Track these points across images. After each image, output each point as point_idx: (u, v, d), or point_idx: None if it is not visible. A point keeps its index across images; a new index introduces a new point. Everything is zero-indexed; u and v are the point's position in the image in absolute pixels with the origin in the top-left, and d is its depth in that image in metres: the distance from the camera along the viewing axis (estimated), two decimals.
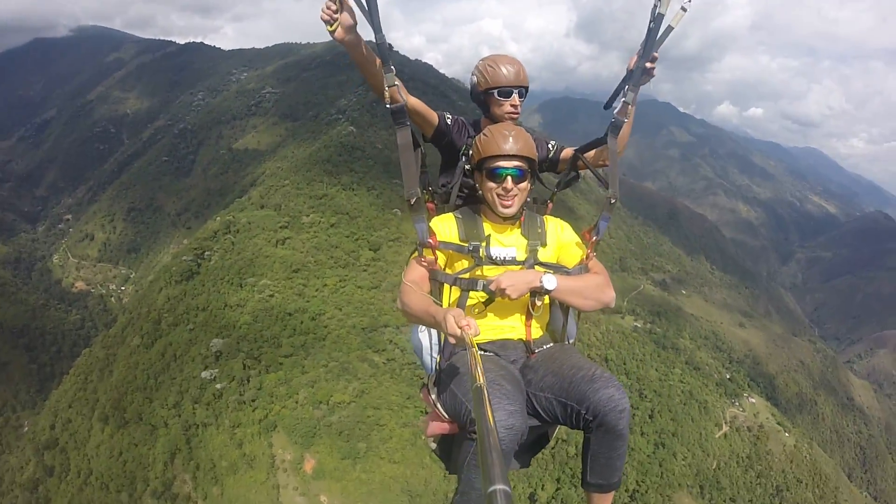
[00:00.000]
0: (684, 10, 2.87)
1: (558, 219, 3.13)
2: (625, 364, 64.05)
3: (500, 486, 0.89)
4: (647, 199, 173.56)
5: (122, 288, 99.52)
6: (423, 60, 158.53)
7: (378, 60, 2.71)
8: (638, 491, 50.26)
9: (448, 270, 2.85)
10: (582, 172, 3.45)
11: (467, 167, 3.09)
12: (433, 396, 2.79)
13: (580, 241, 3.01)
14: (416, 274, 2.72)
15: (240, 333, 49.50)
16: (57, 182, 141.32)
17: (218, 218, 66.93)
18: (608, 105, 3.15)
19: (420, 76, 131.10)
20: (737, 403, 70.96)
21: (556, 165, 3.45)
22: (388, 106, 2.68)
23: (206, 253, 59.15)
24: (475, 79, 3.21)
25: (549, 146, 3.43)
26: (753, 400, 74.41)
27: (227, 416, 44.89)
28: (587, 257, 2.92)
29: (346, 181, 72.71)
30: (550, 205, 3.44)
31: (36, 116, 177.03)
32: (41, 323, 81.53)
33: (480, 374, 1.57)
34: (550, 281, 2.59)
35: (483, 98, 3.19)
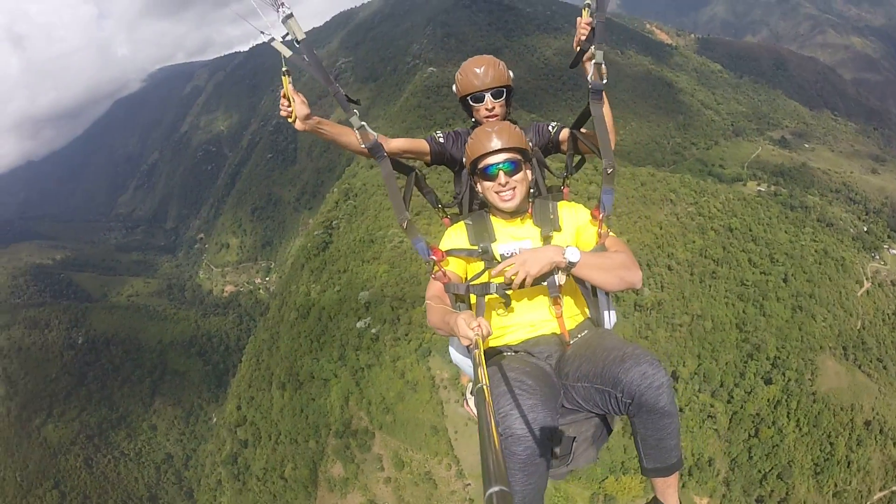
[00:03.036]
0: None
1: (573, 203, 3.15)
2: (750, 230, 63.42)
3: (498, 488, 0.91)
4: (747, 54, 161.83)
5: (267, 279, 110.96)
6: None
7: (341, 129, 3.04)
8: (779, 357, 51.09)
9: (469, 277, 2.95)
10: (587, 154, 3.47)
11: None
12: (472, 406, 2.91)
13: (593, 220, 2.99)
14: (434, 290, 2.81)
15: (382, 281, 56.56)
16: (181, 211, 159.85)
17: (335, 189, 75.01)
18: (574, 65, 3.23)
19: None
20: (877, 257, 67.34)
21: (559, 146, 3.52)
22: (363, 145, 2.94)
23: (334, 222, 67.26)
24: (455, 87, 3.39)
25: (550, 128, 3.51)
26: (895, 251, 70.42)
27: (386, 353, 52.12)
28: (601, 236, 2.91)
29: (441, 119, 77.69)
30: (566, 190, 3.51)
31: (142, 164, 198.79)
32: (205, 330, 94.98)
33: (484, 375, 1.60)
34: (574, 253, 2.58)
35: (464, 105, 3.41)
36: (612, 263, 2.68)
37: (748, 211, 67.30)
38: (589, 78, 3.02)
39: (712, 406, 48.35)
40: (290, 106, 2.82)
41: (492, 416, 1.23)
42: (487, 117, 3.33)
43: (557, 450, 2.52)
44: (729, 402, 48.30)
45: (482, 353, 1.86)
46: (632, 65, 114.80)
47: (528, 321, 2.87)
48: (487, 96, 3.29)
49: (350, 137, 3.02)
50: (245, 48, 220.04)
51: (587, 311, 3.00)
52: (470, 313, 2.25)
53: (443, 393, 48.78)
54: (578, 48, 3.14)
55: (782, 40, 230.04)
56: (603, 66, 3.00)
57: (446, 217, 3.54)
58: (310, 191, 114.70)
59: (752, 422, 47.92)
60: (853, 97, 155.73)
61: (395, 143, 3.26)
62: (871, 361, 53.91)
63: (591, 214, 2.96)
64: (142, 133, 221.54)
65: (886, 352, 55.66)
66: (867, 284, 62.06)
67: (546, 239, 2.90)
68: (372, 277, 57.27)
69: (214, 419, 77.30)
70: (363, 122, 2.91)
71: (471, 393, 2.96)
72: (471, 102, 3.34)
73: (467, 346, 2.17)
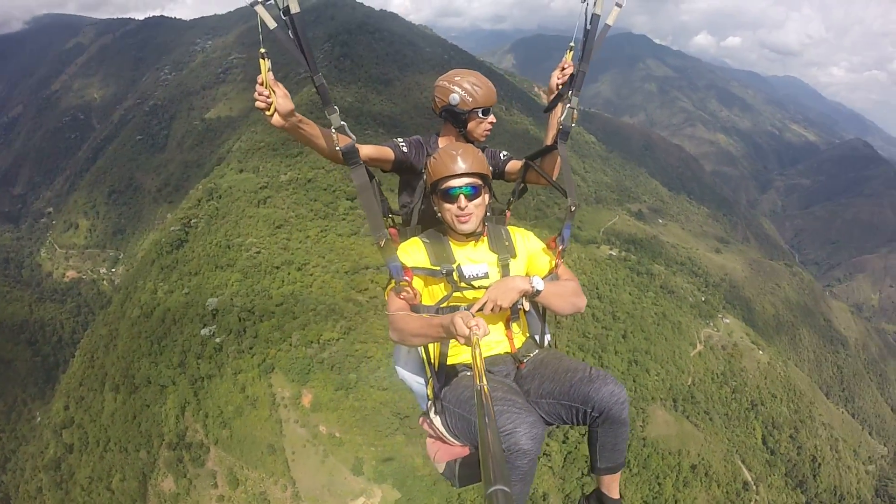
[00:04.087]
0: (619, 5, 3.03)
1: (521, 228, 3.27)
2: (597, 289, 68.15)
3: (499, 487, 0.94)
4: (622, 132, 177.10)
5: (113, 270, 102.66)
6: (389, 10, 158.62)
7: (320, 131, 2.82)
8: None
9: (426, 296, 2.96)
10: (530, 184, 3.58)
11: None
12: (438, 425, 2.92)
13: (546, 247, 3.16)
14: (399, 305, 2.81)
15: (232, 290, 54.42)
16: (33, 178, 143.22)
17: (200, 186, 71.48)
18: (547, 109, 3.38)
19: (385, 26, 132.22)
20: (711, 324, 75.15)
21: (503, 175, 3.59)
22: (338, 148, 2.76)
23: (193, 221, 63.54)
24: (457, 97, 3.23)
25: (502, 156, 3.58)
26: (728, 320, 78.67)
27: (228, 365, 49.90)
28: (556, 265, 3.08)
29: None
30: (508, 213, 3.57)
31: (1, 116, 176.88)
32: (39, 316, 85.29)
33: (483, 376, 1.66)
34: (539, 283, 2.81)
35: (465, 116, 3.28)
36: (567, 291, 2.97)
37: (597, 271, 72.78)
38: (561, 119, 3.22)
39: (548, 445, 50.59)
40: (269, 97, 2.50)
41: (493, 417, 1.28)
42: (488, 131, 3.37)
43: None
44: (564, 442, 50.80)
45: (481, 354, 1.96)
46: (514, 121, 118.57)
47: (485, 341, 2.96)
48: (492, 111, 3.34)
49: (331, 143, 2.82)
50: (140, 16, 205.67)
51: (528, 331, 3.22)
52: (467, 313, 2.29)
53: (282, 412, 47.30)
54: (558, 89, 3.30)
55: (656, 126, 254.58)
56: (575, 112, 3.21)
57: (393, 227, 3.45)
58: (173, 183, 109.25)
59: (585, 461, 50.16)
60: (709, 186, 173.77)
61: (365, 150, 3.05)
62: (698, 413, 60.00)
63: (548, 244, 3.14)
64: (10, 80, 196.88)
65: (713, 406, 62.31)
66: (700, 347, 69.39)
67: (504, 266, 3.01)
68: (223, 284, 54.91)
69: (38, 418, 69.48)
70: (343, 122, 2.73)
71: (435, 412, 2.96)
72: (480, 115, 3.30)
73: (462, 344, 2.26)
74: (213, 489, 46.53)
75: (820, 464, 66.42)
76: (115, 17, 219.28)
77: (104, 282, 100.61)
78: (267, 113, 2.54)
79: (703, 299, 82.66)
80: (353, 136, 2.80)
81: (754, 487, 56.31)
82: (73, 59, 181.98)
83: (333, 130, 2.73)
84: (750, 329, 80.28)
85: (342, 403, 46.47)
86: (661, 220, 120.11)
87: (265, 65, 2.45)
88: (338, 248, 59.79)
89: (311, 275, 56.07)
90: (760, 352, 73.30)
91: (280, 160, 72.69)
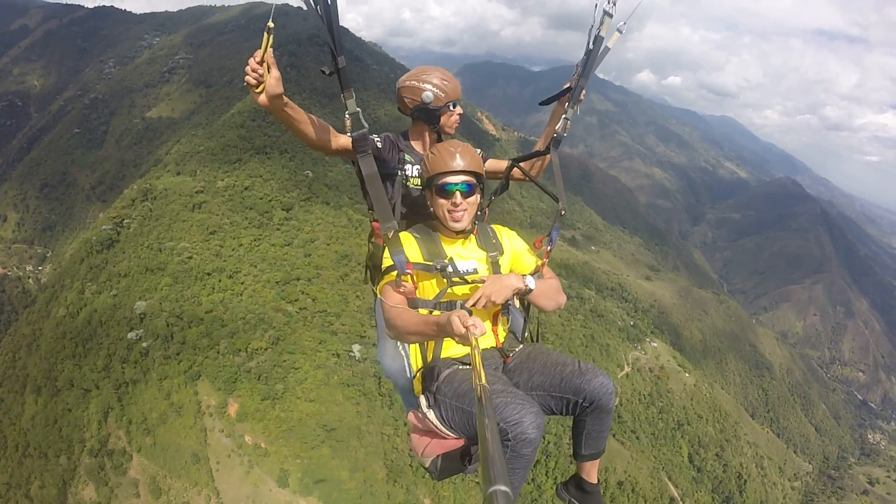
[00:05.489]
0: (620, 31, 3.30)
1: (504, 227, 3.37)
2: None
3: (500, 487, 0.92)
4: (560, 161, 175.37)
5: (40, 268, 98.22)
6: (341, 25, 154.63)
7: (308, 117, 2.86)
8: None
9: (417, 291, 3.00)
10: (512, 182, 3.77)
11: (406, 182, 3.37)
12: (432, 418, 2.91)
13: (529, 247, 3.29)
14: (397, 299, 2.81)
15: (162, 294, 53.20)
16: None
17: (135, 186, 69.05)
18: (545, 103, 3.67)
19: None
20: (639, 347, 77.56)
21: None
22: (350, 135, 2.83)
23: (125, 221, 61.65)
24: (430, 95, 3.31)
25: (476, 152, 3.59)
26: (655, 344, 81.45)
27: (154, 371, 48.77)
28: (542, 264, 3.22)
29: (260, 144, 75.63)
30: (487, 212, 3.61)
31: None
32: None
33: (482, 375, 1.66)
34: (532, 281, 2.92)
35: (439, 112, 3.40)
36: (551, 289, 3.11)
37: None
38: (557, 129, 3.57)
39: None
40: (263, 75, 2.47)
41: (493, 416, 1.27)
42: (456, 122, 3.51)
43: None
44: None
45: (479, 354, 1.95)
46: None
47: None
48: (458, 103, 3.48)
49: (317, 130, 2.90)
50: (91, 3, 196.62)
51: (508, 326, 3.28)
52: (464, 312, 2.33)
53: (208, 420, 46.58)
54: (565, 89, 3.60)
55: (594, 157, 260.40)
56: (569, 122, 3.54)
57: (376, 220, 3.34)
58: (108, 182, 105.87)
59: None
60: (643, 216, 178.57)
61: (340, 141, 3.09)
62: (625, 432, 62.13)
63: (534, 244, 3.29)
64: None
65: (640, 425, 64.63)
66: (627, 368, 71.58)
67: (494, 263, 3.11)
68: (152, 288, 53.62)
69: None
70: (359, 109, 2.78)
71: (428, 406, 2.96)
72: (451, 108, 3.43)
73: (458, 342, 2.35)
74: (135, 498, 45.18)
75: (746, 480, 69.61)
76: (64, 1, 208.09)
77: (30, 280, 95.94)
78: (256, 91, 2.52)
79: (632, 324, 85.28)
80: (367, 125, 2.86)
81: (681, 503, 58.47)
82: (16, 42, 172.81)
83: (348, 116, 2.80)
84: (677, 353, 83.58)
85: (268, 414, 46.15)
86: (593, 248, 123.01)
87: (268, 40, 2.41)
88: (270, 258, 59.40)
89: (242, 283, 55.59)
90: (687, 374, 76.64)
91: (218, 166, 71.57)
